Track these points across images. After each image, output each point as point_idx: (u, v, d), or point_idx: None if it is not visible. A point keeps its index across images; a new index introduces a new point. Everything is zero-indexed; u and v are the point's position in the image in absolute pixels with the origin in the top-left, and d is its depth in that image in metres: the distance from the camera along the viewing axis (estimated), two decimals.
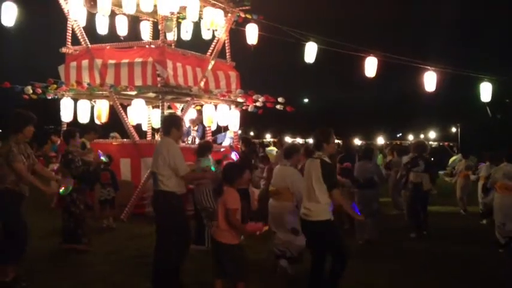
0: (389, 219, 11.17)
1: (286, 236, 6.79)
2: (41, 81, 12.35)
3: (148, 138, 13.53)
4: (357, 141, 33.81)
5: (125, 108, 12.67)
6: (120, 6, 12.21)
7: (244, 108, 13.73)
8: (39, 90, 12.32)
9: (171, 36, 13.49)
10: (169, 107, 13.99)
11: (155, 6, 11.78)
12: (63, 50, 12.81)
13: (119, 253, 7.79)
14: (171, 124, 6.08)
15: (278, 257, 6.87)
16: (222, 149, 12.74)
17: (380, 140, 37.96)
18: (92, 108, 12.79)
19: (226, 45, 13.73)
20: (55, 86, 12.26)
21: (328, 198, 5.38)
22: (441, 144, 37.13)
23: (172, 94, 12.25)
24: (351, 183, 9.26)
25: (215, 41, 13.22)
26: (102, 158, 9.00)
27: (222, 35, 13.07)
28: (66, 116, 12.57)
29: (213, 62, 12.91)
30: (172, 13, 12.54)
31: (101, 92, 12.21)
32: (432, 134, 44.62)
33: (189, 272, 6.35)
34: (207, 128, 13.76)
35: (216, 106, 13.44)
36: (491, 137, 33.79)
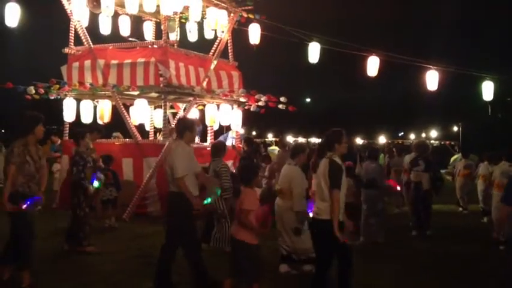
0: (390, 219, 11.19)
1: (290, 238, 6.82)
2: (44, 81, 12.38)
3: (150, 138, 13.56)
4: (359, 141, 33.79)
5: (127, 108, 12.72)
6: (123, 6, 12.24)
7: (246, 107, 13.75)
8: (42, 91, 12.34)
9: (173, 36, 13.53)
10: (171, 107, 14.02)
11: (158, 6, 11.81)
12: (66, 50, 12.85)
13: (121, 253, 7.82)
14: (185, 127, 6.19)
15: (283, 258, 6.90)
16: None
17: (382, 139, 37.93)
18: (95, 108, 12.82)
19: (228, 45, 13.75)
20: (57, 86, 12.28)
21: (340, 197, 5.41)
22: (442, 143, 37.05)
23: (174, 94, 12.28)
24: (352, 182, 9.30)
25: (218, 41, 13.25)
26: (95, 183, 8.45)
27: (224, 34, 13.10)
28: (68, 116, 12.60)
29: (215, 62, 12.93)
30: (175, 13, 12.59)
31: (103, 92, 12.25)
32: (434, 133, 44.53)
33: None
34: (209, 128, 13.79)
35: (218, 106, 13.47)
36: (492, 136, 33.74)
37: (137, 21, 14.28)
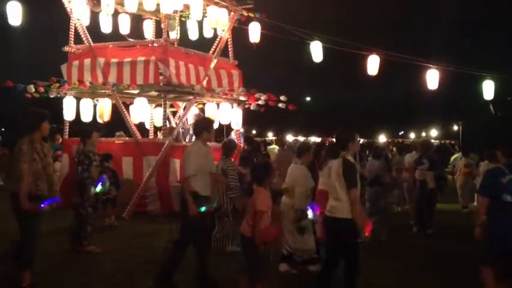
0: (392, 217, 11.17)
1: (293, 237, 6.82)
2: (44, 80, 12.38)
3: (150, 137, 13.55)
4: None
5: (127, 106, 12.70)
6: (123, 5, 12.23)
7: (246, 106, 13.73)
8: (42, 89, 12.34)
9: (173, 35, 13.51)
10: (171, 106, 14.01)
11: (158, 4, 11.80)
12: (66, 48, 12.83)
13: (121, 252, 7.81)
14: (203, 127, 6.26)
15: (283, 257, 6.90)
16: None
17: (382, 138, 37.93)
18: (95, 106, 12.81)
19: (228, 43, 13.74)
20: (58, 84, 12.28)
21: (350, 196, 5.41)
22: (443, 142, 37.08)
23: (174, 93, 12.27)
24: None
25: (218, 39, 13.23)
26: (99, 187, 8.14)
27: (224, 33, 13.08)
28: (68, 114, 12.59)
29: (215, 61, 12.92)
30: (175, 12, 12.57)
31: (103, 91, 12.24)
32: (434, 132, 44.62)
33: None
34: None
35: (218, 105, 13.45)
36: (492, 135, 33.74)
37: (137, 20, 14.27)
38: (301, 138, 37.50)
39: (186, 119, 13.36)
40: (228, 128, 15.22)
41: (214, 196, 6.47)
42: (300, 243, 6.77)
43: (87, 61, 12.51)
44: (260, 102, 13.28)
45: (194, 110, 13.55)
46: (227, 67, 13.65)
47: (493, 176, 5.62)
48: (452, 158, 16.72)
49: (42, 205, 5.67)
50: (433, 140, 35.69)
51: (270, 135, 41.36)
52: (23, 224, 5.77)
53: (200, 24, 13.65)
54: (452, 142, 36.85)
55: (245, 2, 12.89)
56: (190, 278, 6.25)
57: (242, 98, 13.40)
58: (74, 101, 12.59)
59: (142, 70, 11.87)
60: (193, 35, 14.04)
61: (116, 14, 13.28)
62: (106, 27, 13.42)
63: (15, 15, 11.76)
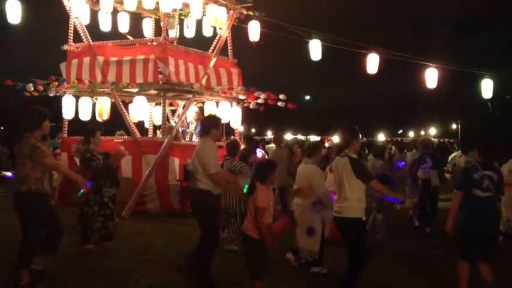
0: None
1: (303, 237, 6.84)
2: (43, 78, 12.37)
3: (149, 136, 13.55)
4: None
5: (126, 105, 12.69)
6: (122, 3, 12.22)
7: (245, 105, 13.73)
8: (41, 88, 12.33)
9: (173, 34, 13.50)
10: (170, 104, 14.01)
11: (157, 3, 11.78)
12: (65, 47, 12.82)
13: (120, 250, 7.80)
14: (212, 125, 6.27)
15: (293, 250, 6.95)
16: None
17: (381, 137, 37.97)
18: (94, 105, 12.80)
19: (228, 42, 13.73)
20: (56, 83, 12.27)
21: (359, 194, 5.42)
22: (441, 140, 37.14)
23: (173, 91, 12.27)
24: None
25: (217, 38, 13.22)
26: (82, 190, 8.01)
27: (224, 32, 13.07)
28: (67, 113, 12.59)
29: (214, 59, 12.91)
30: (174, 10, 12.56)
31: (102, 89, 12.23)
32: (433, 131, 44.65)
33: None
34: None
35: (217, 103, 13.45)
36: (491, 133, 33.79)
37: (136, 18, 14.25)
38: (300, 137, 37.55)
39: (186, 118, 13.36)
40: (227, 126, 15.21)
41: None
42: (309, 244, 6.77)
43: (86, 60, 12.50)
44: (259, 100, 13.27)
45: (193, 109, 13.56)
46: (226, 66, 13.64)
47: (467, 172, 6.01)
48: (451, 156, 16.71)
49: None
50: (431, 139, 35.87)
51: (270, 134, 41.35)
52: (25, 223, 5.76)
53: (200, 22, 13.63)
54: (451, 140, 36.87)
55: (244, 1, 12.88)
56: (190, 278, 6.28)
57: (241, 97, 13.39)
58: (73, 99, 12.58)
59: (142, 69, 11.85)
60: (192, 34, 14.02)
61: (115, 13, 13.27)
62: (105, 26, 13.41)
63: (14, 14, 11.74)
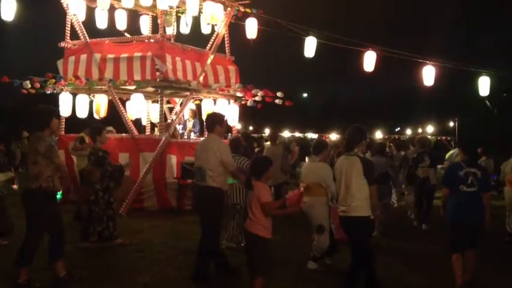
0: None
1: (312, 234, 6.85)
2: (40, 75, 12.33)
3: (147, 133, 13.53)
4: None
5: (123, 102, 12.67)
6: (119, 0, 12.19)
7: (243, 102, 13.72)
8: (38, 85, 12.28)
9: (170, 31, 13.48)
10: (168, 102, 13.99)
11: (154, 0, 11.76)
12: (62, 44, 12.79)
13: (118, 247, 7.79)
14: (215, 121, 6.40)
15: (314, 258, 6.93)
16: None
17: (378, 135, 38.00)
18: (91, 102, 12.77)
19: (225, 39, 13.71)
20: (54, 80, 12.23)
21: (366, 193, 5.46)
22: (439, 138, 37.17)
23: (171, 89, 12.25)
24: None
25: (214, 35, 13.20)
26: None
27: (221, 29, 13.05)
28: (64, 110, 12.55)
29: (212, 57, 12.89)
30: (171, 7, 12.54)
31: (99, 87, 12.20)
32: (430, 129, 44.68)
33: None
34: (206, 123, 13.71)
35: (215, 101, 13.44)
36: (488, 131, 33.86)
37: (134, 16, 14.21)
38: (297, 135, 37.58)
39: (183, 115, 13.34)
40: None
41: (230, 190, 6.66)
42: (318, 242, 6.77)
43: (83, 57, 12.47)
44: (257, 98, 13.27)
45: (190, 106, 13.55)
46: (224, 63, 13.63)
47: (452, 170, 6.37)
48: (448, 154, 16.72)
49: None
50: (429, 136, 35.90)
51: (267, 131, 41.34)
52: (31, 221, 5.81)
53: (197, 20, 13.60)
54: (449, 138, 36.88)
55: None
56: (188, 274, 6.29)
57: (239, 94, 13.38)
58: (70, 97, 12.55)
59: (139, 66, 11.83)
60: (189, 31, 13.99)
61: (112, 10, 13.23)
62: (102, 23, 13.36)
63: (8, 11, 11.66)
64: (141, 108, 12.42)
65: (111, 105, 12.55)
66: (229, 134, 13.91)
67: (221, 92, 13.07)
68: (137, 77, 11.83)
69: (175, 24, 13.86)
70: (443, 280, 6.59)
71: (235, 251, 7.36)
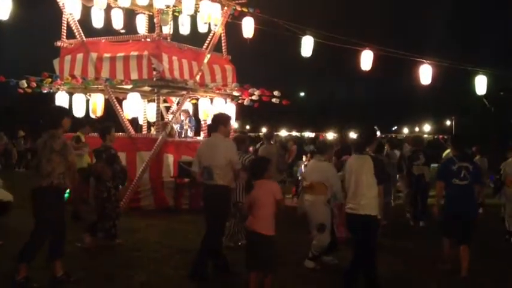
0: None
1: (313, 232, 6.85)
2: (36, 75, 12.29)
3: (143, 132, 13.51)
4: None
5: (120, 102, 12.64)
6: None
7: (240, 102, 13.72)
8: (34, 84, 12.25)
9: (166, 30, 13.46)
10: (164, 101, 13.97)
11: None
12: (58, 43, 12.76)
13: (114, 246, 7.76)
14: (219, 122, 6.46)
15: (313, 257, 6.94)
16: None
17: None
18: (87, 102, 12.75)
19: (222, 38, 13.70)
20: (50, 79, 12.20)
21: (375, 192, 5.53)
22: (436, 137, 37.19)
23: (167, 88, 12.23)
24: None
25: (211, 34, 13.18)
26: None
27: (218, 28, 13.04)
28: None
29: (209, 56, 12.88)
30: (168, 6, 12.51)
31: (96, 86, 12.17)
32: (427, 127, 44.69)
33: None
34: (202, 122, 13.74)
35: (211, 100, 13.42)
36: (485, 130, 33.90)
37: (130, 15, 14.18)
38: (294, 134, 37.57)
39: (180, 114, 13.33)
40: None
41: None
42: (319, 240, 6.78)
43: (79, 56, 12.44)
44: (254, 97, 13.27)
45: (188, 106, 13.54)
46: (221, 62, 13.62)
47: (446, 164, 6.86)
48: (445, 153, 16.74)
49: None
50: (426, 135, 35.91)
51: (264, 131, 41.29)
52: (39, 218, 5.83)
53: (193, 19, 13.58)
54: (446, 137, 36.87)
55: None
56: (185, 273, 6.28)
57: (236, 93, 13.38)
58: (67, 96, 12.52)
59: (136, 65, 11.82)
60: (186, 30, 13.97)
61: (108, 9, 13.19)
62: (98, 22, 13.32)
63: (3, 9, 11.58)
64: (137, 108, 12.41)
65: (108, 105, 12.53)
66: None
67: (218, 91, 13.06)
68: (134, 76, 11.81)
69: (171, 23, 13.83)
70: (442, 279, 6.59)
71: (233, 250, 7.35)
